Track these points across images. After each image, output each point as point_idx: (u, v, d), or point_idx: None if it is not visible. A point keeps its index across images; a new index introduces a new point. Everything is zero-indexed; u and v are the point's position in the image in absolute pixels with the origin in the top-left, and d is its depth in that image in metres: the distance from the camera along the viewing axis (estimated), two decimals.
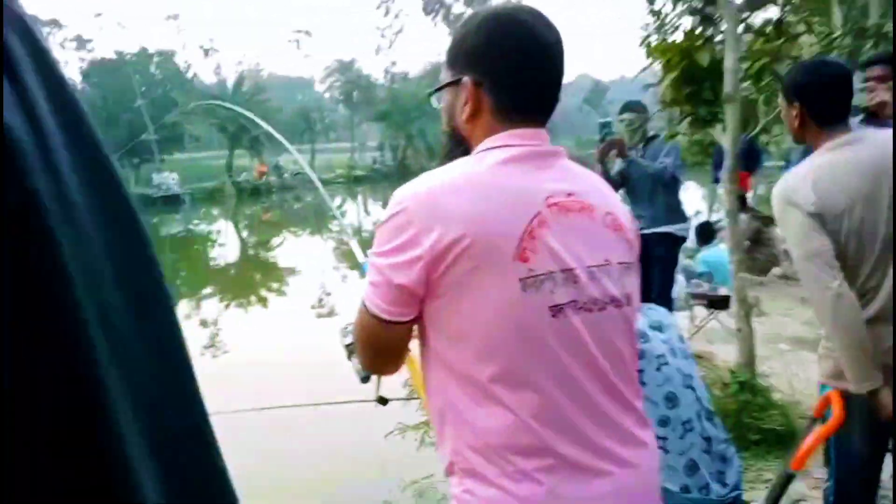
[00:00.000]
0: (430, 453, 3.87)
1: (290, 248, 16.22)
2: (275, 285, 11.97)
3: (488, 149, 0.97)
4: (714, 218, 7.34)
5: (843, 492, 1.89)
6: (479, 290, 0.88)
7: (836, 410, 1.73)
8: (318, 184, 2.16)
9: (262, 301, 10.79)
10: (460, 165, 0.97)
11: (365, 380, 1.49)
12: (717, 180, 6.22)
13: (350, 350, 1.53)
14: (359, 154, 33.97)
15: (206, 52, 35.47)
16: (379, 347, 1.00)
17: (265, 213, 23.78)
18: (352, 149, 35.07)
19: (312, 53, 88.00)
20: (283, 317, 9.46)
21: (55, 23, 32.79)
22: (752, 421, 3.03)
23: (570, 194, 0.95)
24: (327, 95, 40.54)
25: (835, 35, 4.17)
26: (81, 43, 33.23)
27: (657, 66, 3.71)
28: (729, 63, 2.67)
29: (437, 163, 1.08)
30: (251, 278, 12.92)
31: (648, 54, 3.46)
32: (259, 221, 22.25)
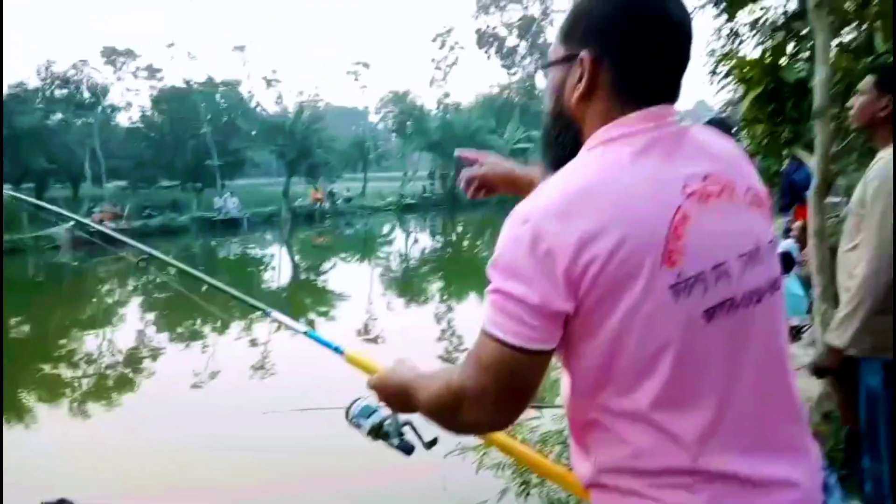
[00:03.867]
0: (488, 476, 3.78)
1: (340, 273, 16.42)
2: (323, 309, 12.10)
3: (611, 139, 0.85)
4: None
5: None
6: (627, 307, 0.77)
7: None
8: None
9: (311, 324, 10.89)
10: (581, 166, 0.84)
11: (430, 445, 1.16)
12: (784, 209, 5.94)
13: (377, 429, 1.16)
14: (409, 183, 34.36)
15: (269, 83, 36.95)
16: (515, 388, 0.83)
17: (317, 238, 24.23)
18: (403, 178, 35.59)
19: (369, 85, 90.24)
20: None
21: (130, 53, 34.62)
22: (832, 454, 2.87)
23: (706, 177, 0.84)
24: (381, 126, 41.48)
25: None
26: (152, 72, 34.89)
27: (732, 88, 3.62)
28: (820, 76, 2.57)
29: (543, 152, 0.97)
30: (301, 301, 13.10)
31: (728, 73, 3.38)
32: (311, 246, 22.68)
